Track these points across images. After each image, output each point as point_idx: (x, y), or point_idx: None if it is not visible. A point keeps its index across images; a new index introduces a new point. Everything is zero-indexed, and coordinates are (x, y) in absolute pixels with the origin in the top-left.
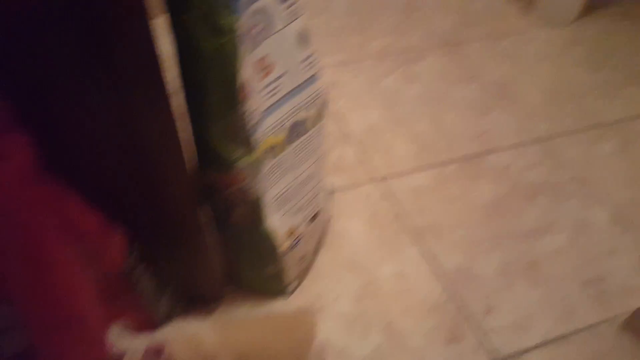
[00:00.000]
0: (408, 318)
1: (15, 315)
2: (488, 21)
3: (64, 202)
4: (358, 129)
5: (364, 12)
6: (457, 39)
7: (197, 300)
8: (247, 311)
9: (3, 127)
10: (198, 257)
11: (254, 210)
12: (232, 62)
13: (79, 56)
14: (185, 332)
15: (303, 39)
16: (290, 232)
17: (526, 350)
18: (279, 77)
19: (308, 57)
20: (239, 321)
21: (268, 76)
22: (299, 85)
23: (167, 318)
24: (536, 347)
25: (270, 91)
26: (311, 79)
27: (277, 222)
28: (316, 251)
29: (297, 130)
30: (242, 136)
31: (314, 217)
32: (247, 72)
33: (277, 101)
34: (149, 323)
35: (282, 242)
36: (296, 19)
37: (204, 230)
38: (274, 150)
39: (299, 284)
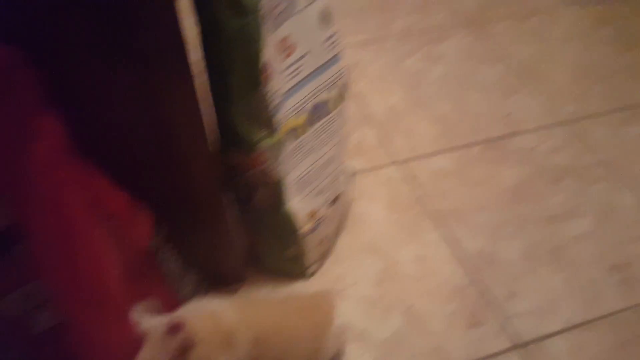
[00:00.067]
0: (429, 302)
1: (47, 292)
2: None
3: (93, 181)
4: (379, 111)
5: None
6: (482, 18)
7: (219, 280)
8: (268, 292)
9: (36, 107)
10: (221, 238)
11: (275, 193)
12: (255, 42)
13: (105, 36)
14: (205, 309)
15: (325, 18)
16: (311, 215)
17: (548, 336)
18: (301, 58)
19: (330, 37)
20: (258, 301)
21: (290, 57)
22: (321, 66)
23: (191, 298)
24: (559, 332)
25: (292, 72)
26: (333, 60)
27: (298, 204)
28: (336, 234)
29: (318, 112)
30: (264, 117)
31: (334, 200)
32: (269, 52)
33: (298, 82)
34: (173, 302)
35: (303, 225)
36: None
37: (227, 212)
38: (295, 132)
39: (319, 267)
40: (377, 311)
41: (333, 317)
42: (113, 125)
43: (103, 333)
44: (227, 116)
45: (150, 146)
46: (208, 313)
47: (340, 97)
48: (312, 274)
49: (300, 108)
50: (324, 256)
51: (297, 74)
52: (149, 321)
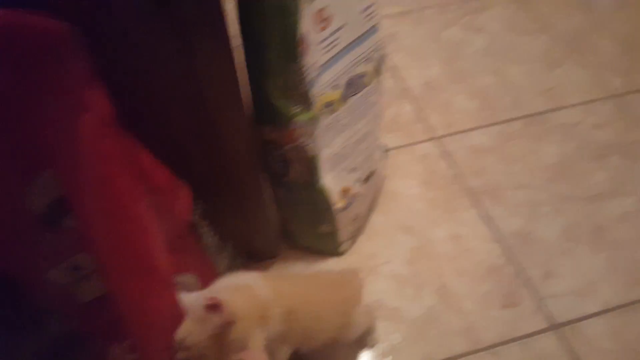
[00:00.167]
0: (463, 281)
1: (94, 263)
2: None
3: (137, 155)
4: (416, 85)
5: None
6: None
7: (253, 256)
8: (301, 269)
9: (84, 81)
10: (255, 214)
11: (310, 168)
12: (292, 15)
13: (146, 7)
14: (240, 283)
15: None
16: (345, 192)
17: (585, 318)
18: (338, 30)
19: (367, 8)
20: (289, 275)
21: (326, 29)
22: (358, 38)
23: (227, 273)
24: (596, 314)
25: (329, 45)
26: (370, 32)
27: (332, 180)
28: (370, 211)
29: (354, 85)
30: (300, 92)
31: (368, 177)
32: (306, 24)
33: (335, 55)
34: (212, 276)
35: (336, 201)
36: None
37: (262, 188)
38: (330, 106)
39: (352, 244)
40: (409, 289)
41: (362, 294)
42: (153, 101)
43: (148, 303)
44: (262, 91)
45: (189, 121)
46: (244, 288)
47: (377, 71)
48: (345, 251)
49: (336, 82)
50: (356, 233)
51: (334, 46)
52: (189, 296)
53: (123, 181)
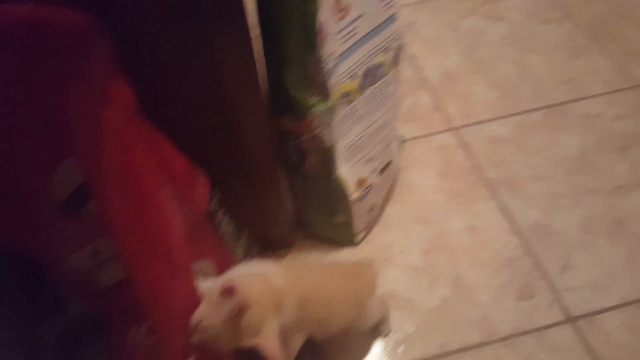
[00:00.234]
0: (478, 272)
1: (114, 249)
2: None
3: (158, 144)
4: (435, 74)
5: None
6: None
7: (268, 245)
8: (315, 258)
9: (108, 71)
10: (272, 204)
11: (326, 159)
12: (311, 3)
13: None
14: (256, 271)
15: None
16: (361, 182)
17: (602, 311)
18: (356, 19)
19: None
20: (303, 265)
21: (345, 18)
22: (376, 28)
23: (242, 261)
24: (613, 308)
25: (347, 34)
26: (389, 21)
27: (348, 171)
28: (386, 202)
29: (372, 75)
30: (318, 82)
31: (385, 168)
32: (324, 13)
33: (353, 45)
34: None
35: (352, 192)
36: None
37: (279, 177)
38: (348, 96)
39: (367, 234)
40: (423, 280)
41: (376, 284)
42: (172, 91)
43: (166, 288)
44: (280, 81)
45: (208, 111)
46: (259, 276)
47: (395, 61)
48: (360, 242)
49: (354, 72)
50: (372, 224)
51: (352, 36)
52: (206, 282)
53: (144, 169)
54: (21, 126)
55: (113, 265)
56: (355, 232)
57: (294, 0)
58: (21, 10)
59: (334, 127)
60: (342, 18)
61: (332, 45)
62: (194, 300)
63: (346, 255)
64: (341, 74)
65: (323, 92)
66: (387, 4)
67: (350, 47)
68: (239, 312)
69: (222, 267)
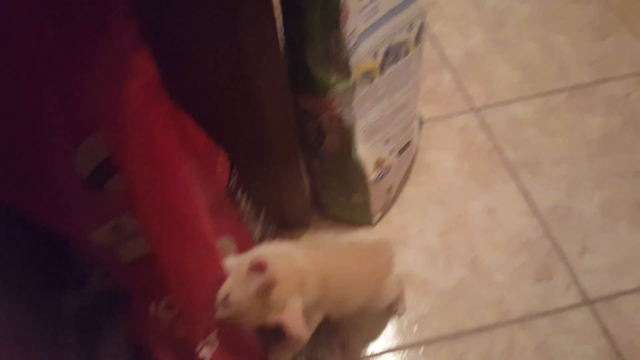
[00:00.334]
0: (496, 254)
1: (137, 224)
2: None
3: (181, 120)
4: (457, 54)
5: None
6: None
7: (284, 224)
8: (332, 238)
9: (131, 46)
10: (290, 183)
11: (345, 139)
12: None
13: None
14: (280, 251)
15: None
16: (379, 163)
17: (620, 294)
18: None
19: None
20: (323, 245)
21: None
22: (399, 5)
23: (260, 239)
24: (632, 292)
25: (369, 12)
26: None
27: (367, 151)
28: (403, 183)
29: (394, 54)
30: (339, 60)
31: (404, 148)
32: None
33: (375, 22)
34: (249, 241)
35: (370, 172)
36: None
37: (297, 156)
38: (369, 75)
39: (383, 215)
40: (440, 261)
41: (392, 264)
42: (194, 67)
43: (190, 264)
44: (301, 59)
45: (228, 88)
46: (284, 255)
47: (417, 39)
48: (376, 222)
49: (376, 50)
50: (389, 205)
51: (375, 13)
52: (233, 259)
53: (168, 145)
54: (47, 101)
55: (134, 241)
56: (372, 212)
57: None
58: None
59: (354, 107)
60: None
61: (355, 23)
62: (218, 276)
63: (362, 235)
64: (363, 52)
65: (344, 70)
66: None
67: (373, 24)
68: (267, 288)
69: (242, 245)
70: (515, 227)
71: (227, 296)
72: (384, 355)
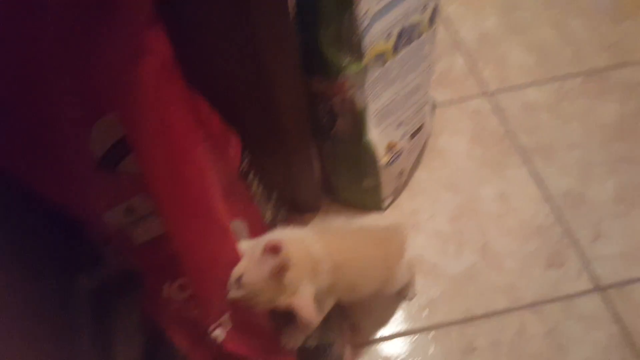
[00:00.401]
0: (507, 240)
1: (150, 205)
2: None
3: (194, 101)
4: (470, 37)
5: None
6: None
7: (295, 208)
8: (342, 223)
9: (146, 24)
10: (301, 166)
11: (357, 122)
12: None
13: None
14: (294, 236)
15: None
16: (391, 147)
17: (633, 281)
18: None
19: None
20: (336, 230)
21: None
22: None
23: (271, 223)
24: None
25: None
26: None
27: (379, 135)
28: (415, 167)
29: (407, 36)
30: (352, 41)
31: (415, 132)
32: None
33: (388, 3)
34: (260, 223)
35: (382, 156)
36: None
37: (309, 140)
38: (382, 57)
39: (394, 200)
40: (450, 246)
41: (404, 250)
42: (205, 47)
43: (204, 245)
44: (313, 41)
45: (241, 70)
46: (297, 241)
47: (431, 21)
48: (387, 207)
49: (389, 31)
50: (400, 189)
51: None
52: (247, 242)
53: (183, 125)
54: (61, 81)
55: (148, 222)
56: (382, 197)
57: None
58: None
59: (366, 89)
60: None
61: (368, 3)
62: (231, 257)
63: (373, 220)
64: (376, 33)
65: (357, 52)
66: None
67: (386, 5)
68: (280, 270)
69: (254, 228)
70: (527, 213)
71: (240, 277)
72: (393, 339)
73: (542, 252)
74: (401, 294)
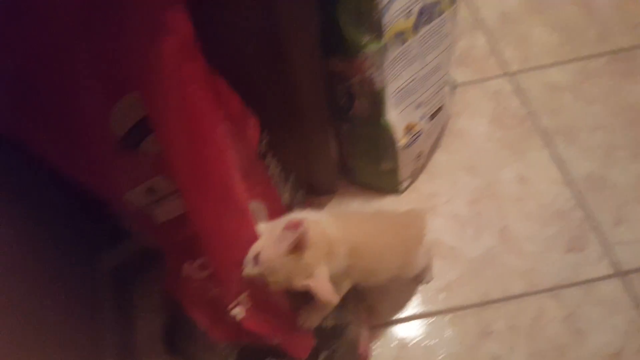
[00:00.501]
0: (526, 223)
1: (171, 185)
2: None
3: (214, 81)
4: (492, 15)
5: None
6: None
7: (312, 190)
8: (359, 205)
9: (168, 1)
10: (318, 147)
11: (375, 103)
12: None
13: None
14: (311, 219)
15: None
16: (409, 128)
17: None
18: None
19: None
20: (354, 214)
21: None
22: None
23: (289, 206)
24: None
25: None
26: None
27: (397, 116)
28: (434, 149)
29: (427, 14)
30: (372, 19)
31: (435, 113)
32: None
33: None
34: (279, 205)
35: (400, 138)
36: None
37: (327, 121)
38: (401, 36)
39: (412, 182)
40: (469, 230)
41: (424, 235)
42: (223, 27)
43: (223, 225)
44: (332, 19)
45: (260, 49)
46: (314, 223)
47: None
48: (404, 190)
49: (409, 9)
50: (418, 172)
51: None
52: (265, 224)
53: (203, 105)
54: (82, 60)
55: (168, 202)
56: (400, 179)
57: None
58: None
59: (385, 69)
60: None
61: None
62: (250, 237)
63: (389, 202)
64: (396, 11)
65: (376, 30)
66: None
67: None
68: (299, 245)
69: (272, 209)
70: (547, 196)
71: (257, 254)
72: (409, 322)
73: (562, 236)
74: (418, 278)
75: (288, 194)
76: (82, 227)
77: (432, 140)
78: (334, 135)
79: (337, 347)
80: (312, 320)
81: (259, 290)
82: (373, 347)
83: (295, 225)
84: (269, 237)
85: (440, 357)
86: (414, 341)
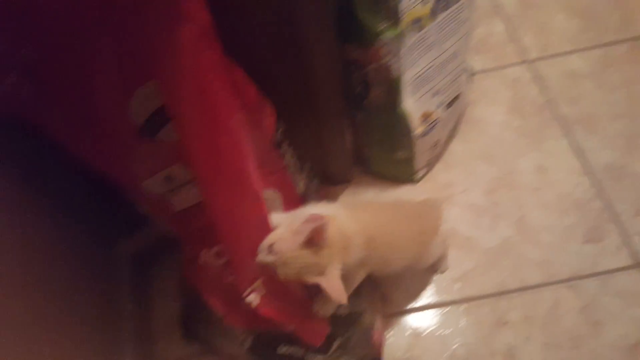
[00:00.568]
0: (544, 213)
1: (187, 174)
2: None
3: (232, 70)
4: (511, 1)
5: None
6: None
7: (327, 179)
8: (374, 195)
9: None
10: (334, 136)
11: (392, 91)
12: None
13: None
14: (328, 212)
15: None
16: (426, 116)
17: None
18: None
19: None
20: (370, 204)
21: None
22: None
23: (304, 195)
24: None
25: None
26: None
27: (414, 104)
28: (450, 138)
29: (444, 0)
30: (389, 5)
31: (452, 101)
32: None
33: None
34: (294, 193)
35: (416, 127)
36: None
37: (342, 109)
38: (419, 22)
39: (427, 171)
40: (485, 219)
41: (440, 225)
42: (243, 16)
43: (239, 213)
44: (348, 6)
45: (277, 37)
46: (332, 218)
47: None
48: (420, 179)
49: None
50: (434, 161)
51: None
52: (278, 214)
53: (220, 93)
54: (102, 49)
55: (185, 190)
56: (416, 168)
57: None
58: None
59: (402, 56)
60: None
61: None
62: (266, 226)
63: (405, 192)
64: None
65: (393, 16)
66: None
67: None
68: (314, 244)
69: (287, 198)
70: (566, 186)
71: (272, 244)
72: (424, 311)
73: (580, 226)
74: (434, 267)
75: (303, 183)
76: (102, 214)
77: (449, 128)
78: (349, 124)
79: (351, 334)
80: (326, 309)
81: (273, 278)
82: (387, 336)
83: (316, 219)
84: (286, 229)
85: (454, 347)
86: (428, 330)
